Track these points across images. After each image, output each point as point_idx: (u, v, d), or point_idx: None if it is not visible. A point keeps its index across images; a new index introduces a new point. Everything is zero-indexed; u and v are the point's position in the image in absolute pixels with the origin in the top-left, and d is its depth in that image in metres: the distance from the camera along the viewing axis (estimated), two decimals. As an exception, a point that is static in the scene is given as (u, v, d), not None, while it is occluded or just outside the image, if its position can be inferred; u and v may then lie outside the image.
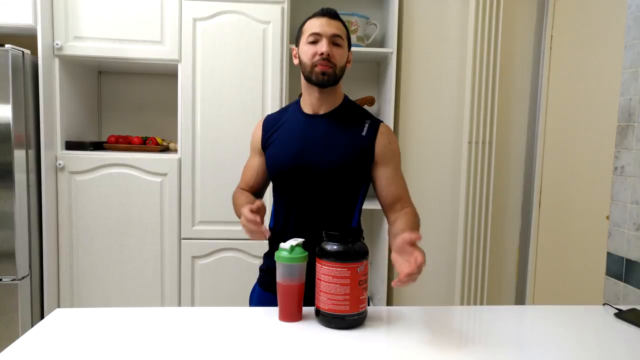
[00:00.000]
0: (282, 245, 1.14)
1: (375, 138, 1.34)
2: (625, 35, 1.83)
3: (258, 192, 1.49)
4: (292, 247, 1.13)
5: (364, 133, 1.34)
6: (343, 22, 1.35)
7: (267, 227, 1.46)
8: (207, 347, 1.00)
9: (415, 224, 1.30)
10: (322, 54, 1.28)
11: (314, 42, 1.30)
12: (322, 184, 1.32)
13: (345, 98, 1.41)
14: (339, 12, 1.40)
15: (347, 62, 1.36)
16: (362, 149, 1.33)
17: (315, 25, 1.30)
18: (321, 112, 1.37)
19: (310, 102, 1.37)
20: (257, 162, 1.45)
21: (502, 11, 2.39)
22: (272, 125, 1.42)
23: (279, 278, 1.14)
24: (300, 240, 1.16)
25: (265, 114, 2.10)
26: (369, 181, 1.39)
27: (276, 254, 1.14)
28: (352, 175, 1.34)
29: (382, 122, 1.39)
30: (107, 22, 2.10)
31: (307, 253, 1.15)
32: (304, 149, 1.33)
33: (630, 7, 1.81)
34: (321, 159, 1.32)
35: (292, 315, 1.15)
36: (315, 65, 1.29)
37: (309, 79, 1.33)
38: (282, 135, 1.39)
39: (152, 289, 2.20)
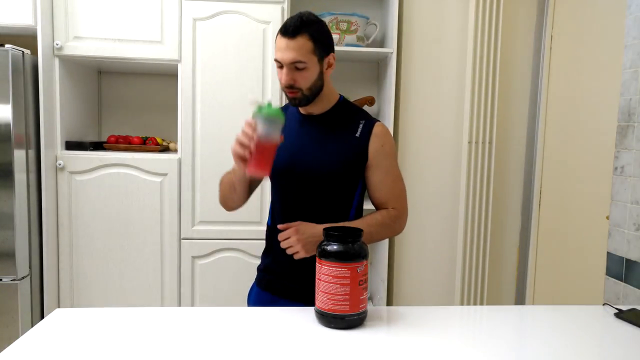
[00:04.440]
0: (260, 102, 1.17)
1: (369, 139, 1.33)
2: (625, 35, 1.83)
3: (250, 187, 1.45)
4: (269, 103, 1.18)
5: (357, 134, 1.33)
6: (310, 33, 1.23)
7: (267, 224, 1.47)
8: (207, 347, 1.00)
9: (373, 221, 1.34)
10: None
11: (280, 66, 1.28)
12: (316, 185, 1.33)
13: (341, 98, 1.39)
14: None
15: (328, 66, 1.31)
16: (355, 150, 1.32)
17: (278, 47, 1.26)
18: (315, 113, 1.37)
19: None
20: None
21: (502, 11, 2.39)
22: None
23: (258, 134, 1.16)
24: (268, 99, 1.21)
25: (265, 114, 2.12)
26: (364, 181, 1.39)
27: (256, 109, 1.17)
28: (346, 175, 1.34)
29: (377, 121, 1.36)
30: (107, 22, 2.10)
31: (284, 114, 1.21)
32: (299, 150, 1.34)
33: (630, 7, 1.81)
34: (315, 160, 1.32)
35: (262, 169, 1.19)
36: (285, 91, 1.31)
37: None
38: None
39: (152, 289, 2.20)
